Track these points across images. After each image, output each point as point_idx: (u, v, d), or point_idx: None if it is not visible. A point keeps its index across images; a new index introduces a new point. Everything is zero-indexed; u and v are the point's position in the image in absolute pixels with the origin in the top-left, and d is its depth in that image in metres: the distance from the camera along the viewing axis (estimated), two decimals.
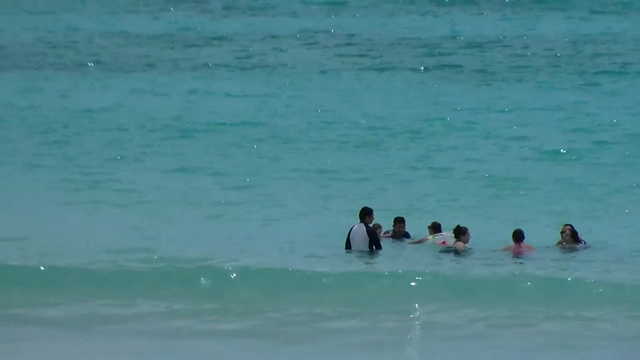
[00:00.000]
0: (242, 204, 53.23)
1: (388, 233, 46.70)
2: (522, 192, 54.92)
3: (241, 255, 43.34)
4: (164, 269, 40.02)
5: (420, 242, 45.82)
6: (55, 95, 77.75)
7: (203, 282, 37.96)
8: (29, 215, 49.66)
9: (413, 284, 39.57)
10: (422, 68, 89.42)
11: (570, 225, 44.99)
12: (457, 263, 43.65)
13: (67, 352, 30.13)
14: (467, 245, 44.21)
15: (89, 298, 35.92)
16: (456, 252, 44.71)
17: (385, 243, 44.81)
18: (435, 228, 45.91)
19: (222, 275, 38.59)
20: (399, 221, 46.22)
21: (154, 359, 28.62)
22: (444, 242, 44.92)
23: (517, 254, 43.44)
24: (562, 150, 63.91)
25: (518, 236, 43.82)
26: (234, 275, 38.93)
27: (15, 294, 36.73)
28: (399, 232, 46.14)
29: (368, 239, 43.62)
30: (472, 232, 44.09)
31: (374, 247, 44.01)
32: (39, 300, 35.75)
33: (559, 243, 44.54)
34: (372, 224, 44.70)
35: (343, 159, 63.22)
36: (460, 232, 44.15)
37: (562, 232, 44.52)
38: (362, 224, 43.41)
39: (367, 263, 42.80)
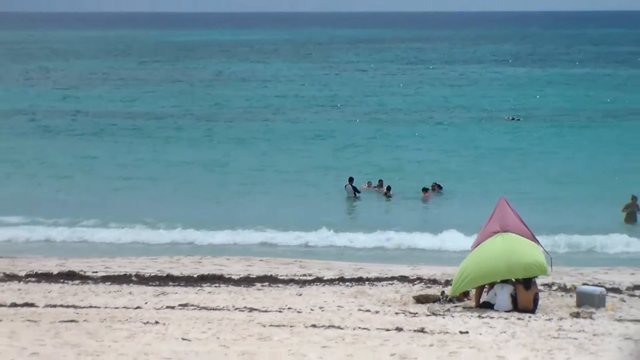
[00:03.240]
0: None
1: (375, 186, 51.76)
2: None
3: None
4: None
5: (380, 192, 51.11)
6: None
7: None
8: None
9: None
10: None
11: (435, 182, 50.91)
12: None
13: None
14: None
15: None
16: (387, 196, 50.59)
17: (372, 192, 51.22)
18: (381, 184, 51.22)
19: None
20: (380, 181, 51.46)
21: None
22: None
23: (426, 200, 49.39)
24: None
25: (426, 190, 49.24)
26: None
27: None
28: (380, 186, 51.17)
29: (353, 190, 49.79)
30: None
31: (356, 193, 49.90)
32: None
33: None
34: (366, 182, 51.75)
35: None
36: (388, 188, 50.26)
37: (432, 186, 50.17)
38: (349, 184, 49.93)
39: None
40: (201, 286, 31.87)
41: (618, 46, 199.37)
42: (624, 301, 29.33)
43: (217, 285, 32.11)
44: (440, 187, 51.24)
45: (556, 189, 51.41)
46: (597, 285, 29.99)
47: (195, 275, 33.48)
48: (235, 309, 27.96)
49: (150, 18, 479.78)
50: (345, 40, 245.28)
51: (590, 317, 27.01)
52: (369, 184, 52.15)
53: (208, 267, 35.48)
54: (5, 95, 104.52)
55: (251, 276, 33.39)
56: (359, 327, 25.01)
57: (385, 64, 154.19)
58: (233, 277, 33.29)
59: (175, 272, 34.13)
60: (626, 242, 40.11)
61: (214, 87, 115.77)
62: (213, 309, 27.88)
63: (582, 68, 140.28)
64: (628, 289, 31.04)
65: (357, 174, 52.37)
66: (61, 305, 28.40)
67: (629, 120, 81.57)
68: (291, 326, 25.13)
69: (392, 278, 32.78)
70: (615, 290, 30.56)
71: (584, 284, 30.27)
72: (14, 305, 28.42)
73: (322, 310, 27.71)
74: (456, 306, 28.48)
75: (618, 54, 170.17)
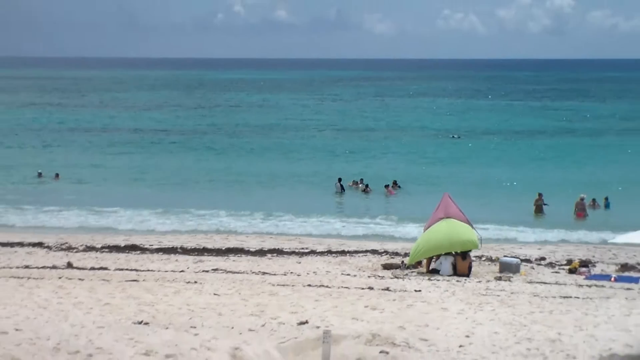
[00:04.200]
0: None
1: (357, 182, 50.80)
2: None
3: None
4: None
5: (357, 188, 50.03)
6: None
7: None
8: None
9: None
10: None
11: (395, 180, 50.56)
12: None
13: None
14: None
15: None
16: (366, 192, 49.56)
17: (354, 189, 50.33)
18: (356, 183, 50.88)
19: None
20: (361, 180, 50.78)
21: None
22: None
23: (389, 194, 48.31)
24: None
25: (387, 186, 48.97)
26: None
27: None
28: (360, 183, 50.53)
29: (341, 187, 49.44)
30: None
31: (343, 190, 49.27)
32: None
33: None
34: (352, 180, 50.96)
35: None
36: (367, 186, 49.71)
37: (392, 183, 49.68)
38: (338, 183, 49.67)
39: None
40: (227, 256, 32.14)
41: (529, 85, 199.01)
42: (533, 269, 29.67)
43: (239, 255, 32.35)
44: (399, 186, 50.62)
45: (486, 188, 51.21)
46: (514, 257, 30.29)
47: (223, 248, 33.68)
48: (252, 272, 28.20)
49: (190, 62, 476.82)
50: (335, 79, 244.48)
51: (509, 280, 27.28)
52: (354, 182, 51.35)
53: (233, 242, 35.53)
54: (85, 117, 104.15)
55: (264, 249, 33.53)
56: (342, 286, 25.21)
57: (363, 96, 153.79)
58: (251, 249, 33.45)
59: (209, 246, 34.25)
60: (535, 227, 40.26)
61: (237, 111, 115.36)
62: (236, 273, 28.09)
63: (504, 100, 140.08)
64: (536, 260, 31.37)
65: (341, 174, 52.02)
66: (126, 269, 28.72)
67: (539, 138, 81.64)
68: (292, 285, 25.31)
69: (366, 251, 32.93)
70: (527, 260, 30.89)
71: (505, 256, 30.50)
72: (92, 268, 28.73)
73: (315, 274, 27.92)
74: (412, 272, 28.70)
75: (529, 91, 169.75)
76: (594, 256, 32.03)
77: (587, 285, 26.54)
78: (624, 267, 29.94)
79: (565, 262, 30.65)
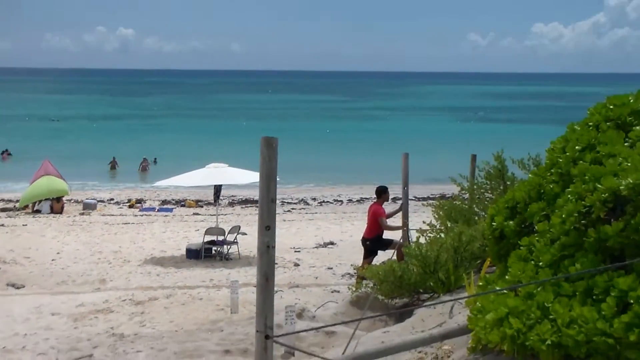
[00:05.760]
0: None
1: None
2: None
3: None
4: None
5: None
6: None
7: None
8: None
9: None
10: None
11: (7, 149, 45.54)
12: None
13: None
14: None
15: None
16: None
17: None
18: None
19: None
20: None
21: None
22: None
23: (4, 160, 46.01)
24: None
25: (3, 153, 45.76)
26: None
27: None
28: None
29: None
30: None
31: None
32: None
33: None
34: None
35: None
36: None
37: (4, 151, 45.35)
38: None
39: None
40: None
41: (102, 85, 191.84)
42: (106, 206, 29.69)
43: None
44: (10, 153, 46.07)
45: (83, 158, 47.63)
46: (93, 199, 30.00)
47: None
48: None
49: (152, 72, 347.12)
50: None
51: (89, 214, 27.18)
52: None
53: None
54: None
55: None
56: None
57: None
58: None
59: None
60: (109, 179, 39.40)
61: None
62: None
63: (98, 96, 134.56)
64: (108, 200, 31.45)
65: None
66: None
67: (113, 120, 79.51)
68: None
69: None
70: (102, 201, 30.81)
71: (87, 199, 30.06)
72: None
73: None
74: (22, 212, 27.57)
75: (112, 90, 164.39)
76: (145, 196, 32.65)
77: (140, 215, 27.29)
78: (164, 202, 31.10)
79: (127, 201, 31.14)
